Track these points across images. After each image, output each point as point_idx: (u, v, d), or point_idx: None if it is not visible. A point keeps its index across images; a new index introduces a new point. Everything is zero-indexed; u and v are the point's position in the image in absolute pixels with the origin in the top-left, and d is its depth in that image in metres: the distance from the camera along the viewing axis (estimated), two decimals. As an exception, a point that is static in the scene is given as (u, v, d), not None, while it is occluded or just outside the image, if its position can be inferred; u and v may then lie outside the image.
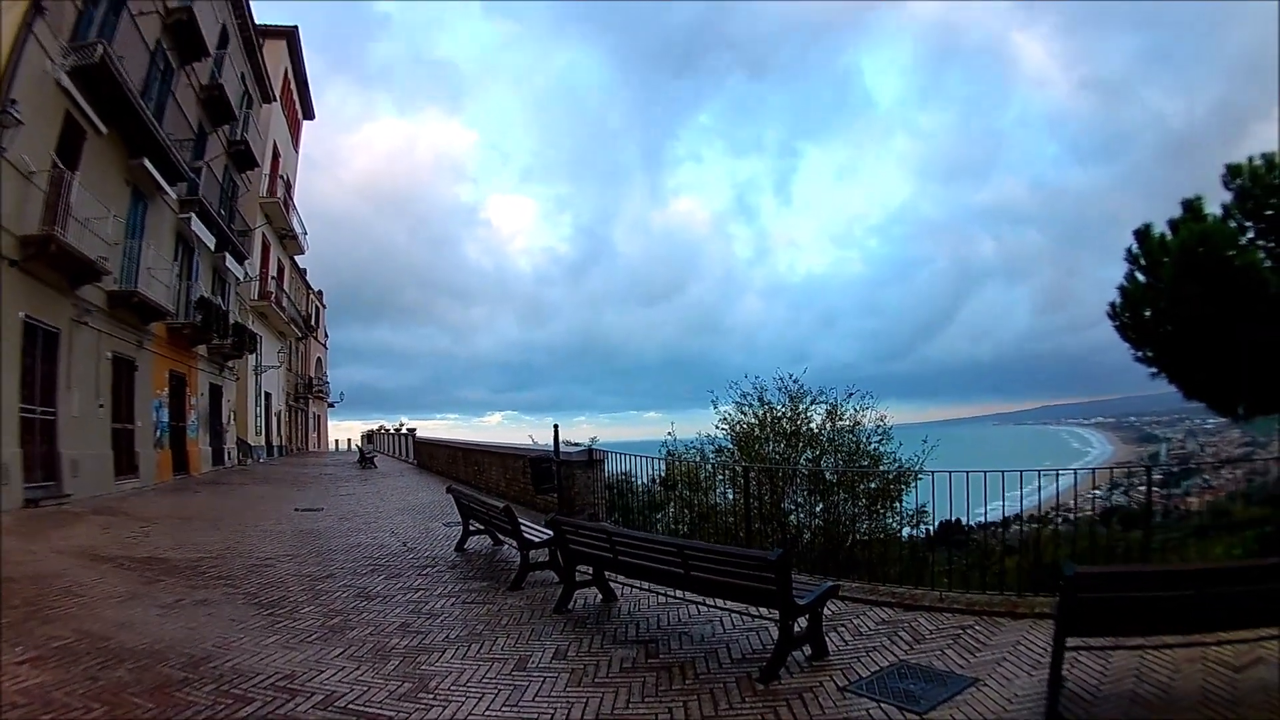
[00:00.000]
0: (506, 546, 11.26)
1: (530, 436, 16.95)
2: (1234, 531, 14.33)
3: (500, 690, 5.82)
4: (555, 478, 13.91)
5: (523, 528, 9.77)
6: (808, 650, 6.38)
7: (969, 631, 6.93)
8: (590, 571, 8.37)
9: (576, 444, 14.93)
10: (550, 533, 8.77)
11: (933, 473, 10.73)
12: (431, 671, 6.22)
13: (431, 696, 5.69)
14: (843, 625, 7.26)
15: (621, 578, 8.42)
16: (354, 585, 9.40)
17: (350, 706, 5.48)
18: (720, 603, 7.26)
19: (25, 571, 9.18)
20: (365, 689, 5.80)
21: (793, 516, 13.55)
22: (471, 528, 11.93)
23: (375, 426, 50.62)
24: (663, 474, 14.01)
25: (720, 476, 13.78)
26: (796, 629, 6.27)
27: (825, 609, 6.80)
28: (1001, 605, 7.60)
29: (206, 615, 7.90)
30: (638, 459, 13.47)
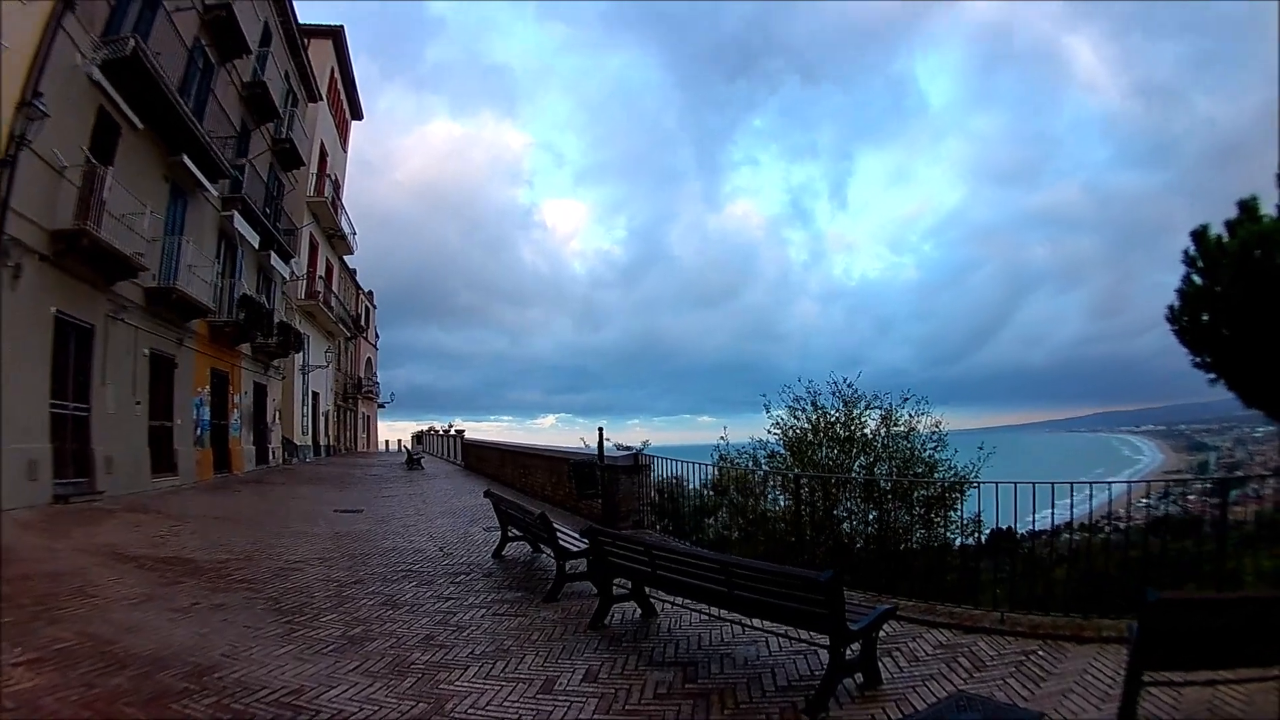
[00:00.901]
0: (545, 555, 10.77)
1: (582, 439, 16.67)
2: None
3: (521, 717, 5.37)
4: (599, 483, 13.47)
5: (559, 536, 9.35)
6: (859, 678, 5.85)
7: (1032, 658, 6.37)
8: (629, 585, 7.85)
9: (629, 447, 14.50)
10: (587, 542, 8.20)
11: (981, 483, 10.18)
12: (450, 692, 5.78)
13: (445, 720, 5.21)
14: (898, 649, 6.69)
15: (662, 593, 7.80)
16: (382, 592, 9.02)
17: (356, 730, 5.03)
18: (766, 623, 6.62)
19: (42, 569, 8.78)
20: (375, 709, 5.39)
21: (846, 524, 13.09)
22: (510, 534, 11.51)
23: (425, 428, 50.18)
24: (714, 478, 13.62)
25: (771, 483, 13.25)
26: (848, 655, 5.69)
27: (880, 632, 6.24)
28: (1066, 628, 7.01)
29: (221, 621, 7.50)
30: (684, 464, 13.02)
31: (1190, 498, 18.01)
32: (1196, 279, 15.82)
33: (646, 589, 7.82)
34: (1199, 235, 15.74)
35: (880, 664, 6.05)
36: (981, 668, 6.19)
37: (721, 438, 15.43)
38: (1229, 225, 15.27)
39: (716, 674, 6.18)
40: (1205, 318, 15.61)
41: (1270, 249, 13.98)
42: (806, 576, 5.62)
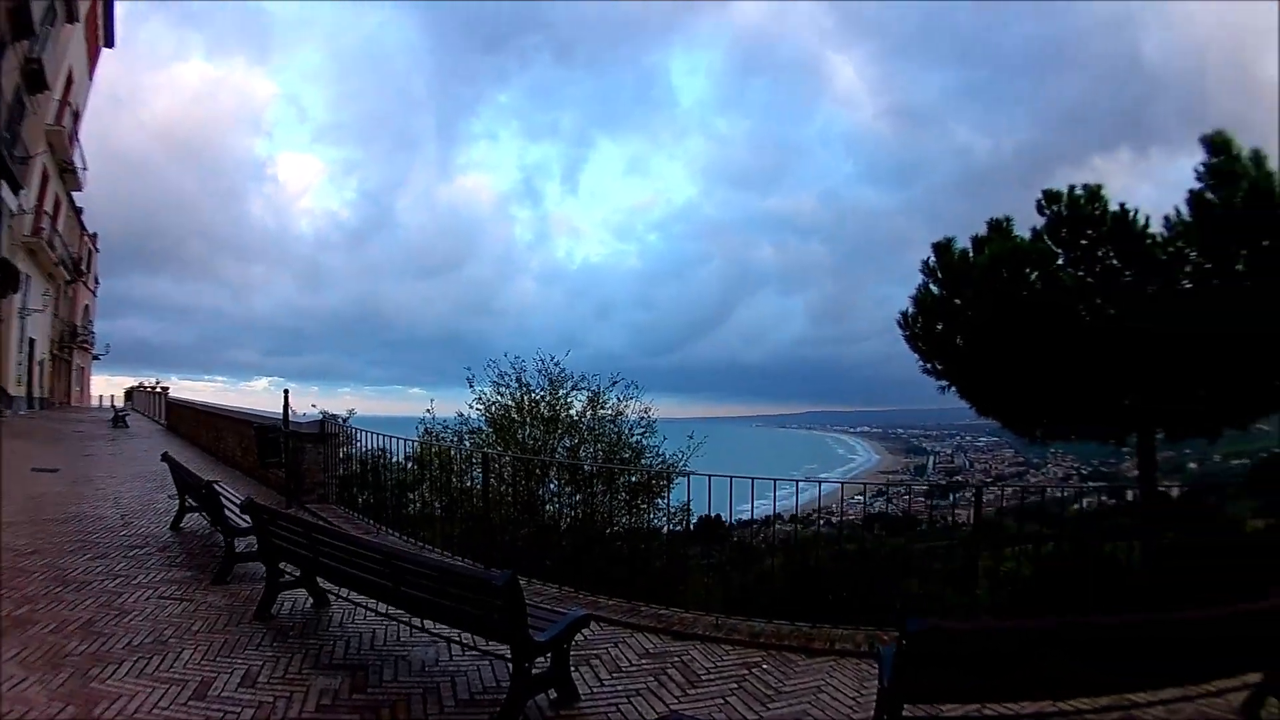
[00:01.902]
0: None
1: (293, 406, 15.02)
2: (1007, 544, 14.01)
3: (169, 729, 4.32)
4: (282, 451, 12.08)
5: (227, 510, 8.17)
6: (553, 694, 4.88)
7: (755, 672, 5.55)
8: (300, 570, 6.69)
9: (335, 416, 13.20)
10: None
11: (690, 473, 10.58)
12: (102, 693, 4.82)
13: (90, 732, 4.42)
14: (598, 658, 5.74)
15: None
16: (56, 566, 7.85)
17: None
18: (442, 625, 5.54)
19: None
20: (26, 710, 4.51)
21: (550, 506, 12.35)
22: (188, 504, 10.15)
23: (137, 384, 46.20)
24: (417, 452, 12.61)
25: (474, 459, 12.31)
26: (536, 669, 4.68)
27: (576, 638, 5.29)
28: (793, 638, 6.22)
29: None
30: (388, 437, 11.90)
31: (907, 497, 18.39)
32: (934, 289, 15.91)
33: (318, 576, 6.62)
34: (942, 247, 15.91)
35: (578, 675, 5.17)
36: (697, 682, 5.33)
37: (428, 410, 14.59)
38: (976, 241, 15.47)
39: (389, 682, 5.14)
40: (939, 326, 15.68)
41: (1018, 266, 14.17)
42: (479, 578, 4.63)
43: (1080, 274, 14.04)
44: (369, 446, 12.09)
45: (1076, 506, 18.49)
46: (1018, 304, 13.63)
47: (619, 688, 5.16)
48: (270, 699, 4.81)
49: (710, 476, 7.47)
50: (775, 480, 7.81)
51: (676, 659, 5.73)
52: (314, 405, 13.31)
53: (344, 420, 12.68)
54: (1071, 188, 15.00)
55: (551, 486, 12.45)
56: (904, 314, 16.42)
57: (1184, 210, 14.02)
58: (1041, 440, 16.51)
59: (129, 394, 45.39)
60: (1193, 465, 57.55)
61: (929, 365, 16.21)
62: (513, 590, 4.24)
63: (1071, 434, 16.10)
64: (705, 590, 9.88)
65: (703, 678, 5.39)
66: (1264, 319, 12.25)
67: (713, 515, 10.46)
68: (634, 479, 12.72)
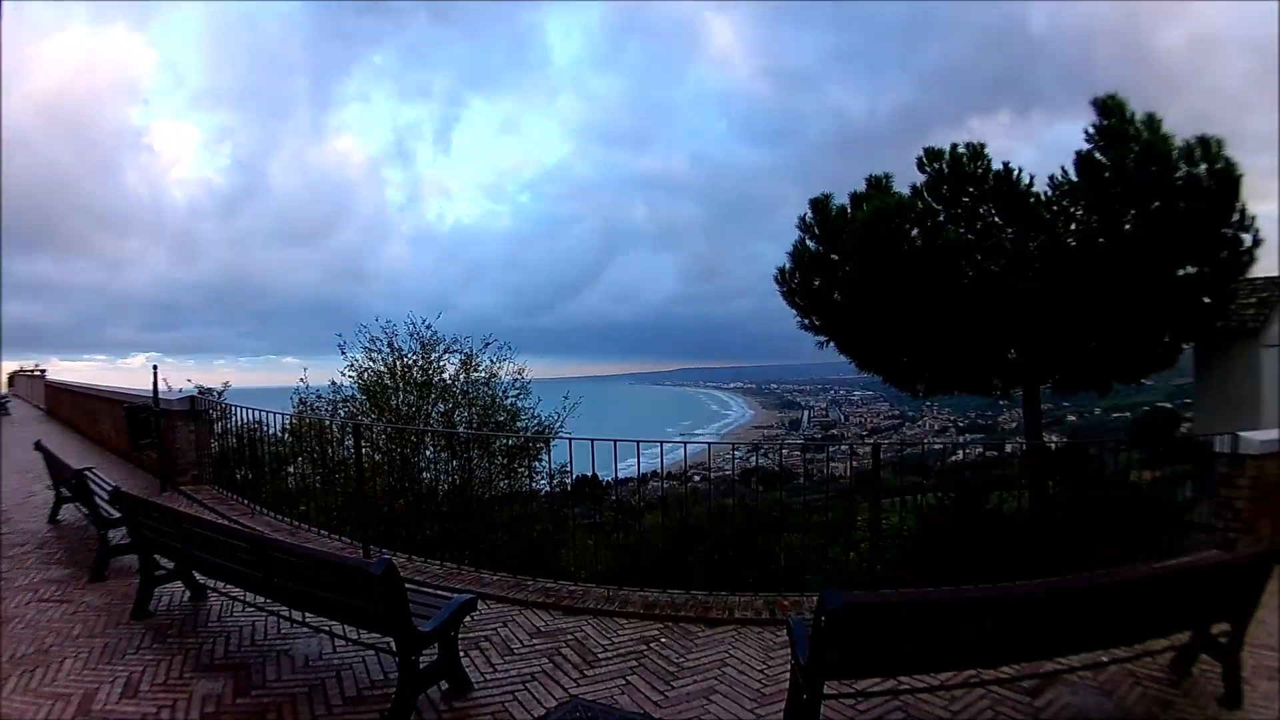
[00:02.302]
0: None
1: (165, 381, 14.14)
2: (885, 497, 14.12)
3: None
4: (154, 431, 11.29)
5: (98, 500, 7.57)
6: (445, 685, 4.51)
7: (654, 646, 5.28)
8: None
9: (209, 390, 13.02)
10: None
11: (568, 437, 10.12)
12: None
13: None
14: (488, 640, 5.40)
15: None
16: None
17: None
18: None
19: None
20: None
21: (427, 474, 11.95)
22: (63, 494, 9.47)
23: (17, 368, 43.82)
24: (292, 424, 11.97)
25: (348, 429, 11.85)
26: (425, 660, 4.30)
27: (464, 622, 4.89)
28: (689, 607, 5.96)
29: None
30: (263, 411, 11.03)
31: (784, 452, 18.38)
32: (811, 244, 15.77)
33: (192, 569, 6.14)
34: (820, 203, 15.71)
35: (469, 661, 4.86)
36: (594, 661, 5.03)
37: (301, 379, 14.06)
38: (854, 197, 15.31)
39: (273, 681, 4.75)
40: (817, 282, 15.59)
41: (900, 222, 14.10)
42: (355, 567, 4.23)
43: (962, 231, 14.01)
44: (243, 421, 11.49)
45: (955, 458, 18.73)
46: (899, 260, 13.55)
47: (513, 672, 4.83)
48: (154, 709, 4.42)
49: (593, 440, 7.09)
50: (640, 443, 7.32)
51: (570, 636, 5.43)
52: (189, 380, 12.93)
53: (219, 394, 12.39)
54: (954, 145, 14.96)
55: (428, 454, 12.12)
56: (781, 270, 16.20)
57: (1070, 171, 14.12)
58: (924, 395, 16.54)
59: (11, 379, 43.10)
60: (1072, 418, 60.03)
61: (806, 321, 16.08)
62: (391, 580, 3.86)
63: (955, 388, 16.12)
64: (590, 554, 9.64)
65: (600, 656, 5.09)
66: (1153, 278, 12.48)
67: (591, 475, 10.43)
68: (510, 442, 12.52)
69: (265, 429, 11.00)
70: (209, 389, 13.11)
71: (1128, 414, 54.67)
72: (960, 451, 20.86)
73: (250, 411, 11.02)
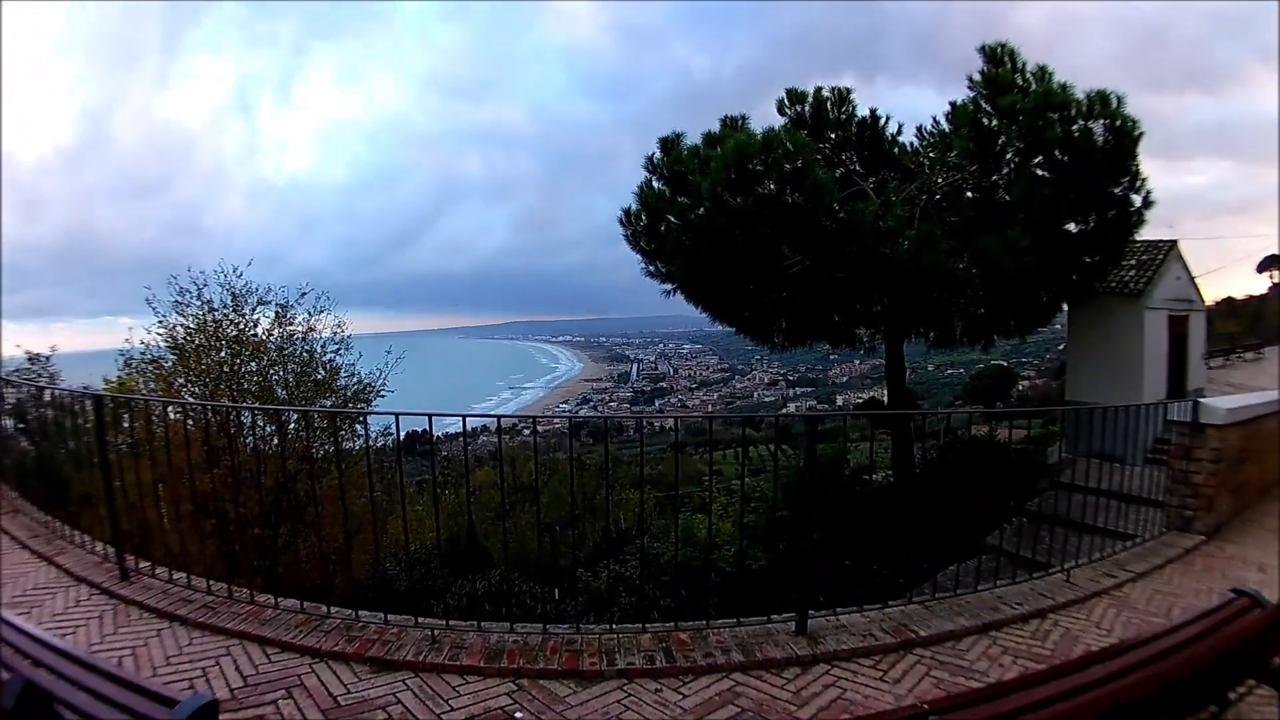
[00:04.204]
0: None
1: (18, 347, 11.90)
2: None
3: None
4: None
5: None
6: None
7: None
8: None
9: (38, 355, 11.68)
10: None
11: (394, 413, 8.07)
12: None
13: None
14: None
15: None
16: None
17: None
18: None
19: None
20: None
21: (249, 438, 9.96)
22: None
23: None
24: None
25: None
26: None
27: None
28: (552, 655, 4.15)
29: None
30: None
31: (612, 405, 17.11)
32: (658, 185, 14.06)
33: None
34: (669, 142, 14.01)
35: None
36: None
37: (126, 340, 11.89)
38: (708, 137, 13.60)
39: None
40: (663, 228, 13.95)
41: (763, 162, 12.37)
42: None
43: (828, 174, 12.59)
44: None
45: (785, 411, 17.79)
46: (764, 202, 12.01)
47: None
48: None
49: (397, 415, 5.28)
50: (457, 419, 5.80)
51: (381, 715, 3.54)
52: (18, 346, 11.39)
53: (46, 360, 11.22)
54: (818, 88, 14.19)
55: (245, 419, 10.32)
56: (626, 211, 14.44)
57: (942, 121, 13.71)
58: (783, 347, 15.22)
59: None
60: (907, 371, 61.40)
61: (652, 267, 14.53)
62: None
63: (816, 339, 15.17)
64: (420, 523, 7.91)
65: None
66: (1037, 233, 11.45)
67: (419, 431, 10.27)
68: (329, 402, 11.58)
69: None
70: (37, 355, 11.55)
71: (961, 370, 55.93)
72: (788, 405, 20.18)
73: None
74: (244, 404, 10.31)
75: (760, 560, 10.98)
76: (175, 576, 5.06)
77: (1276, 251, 34.05)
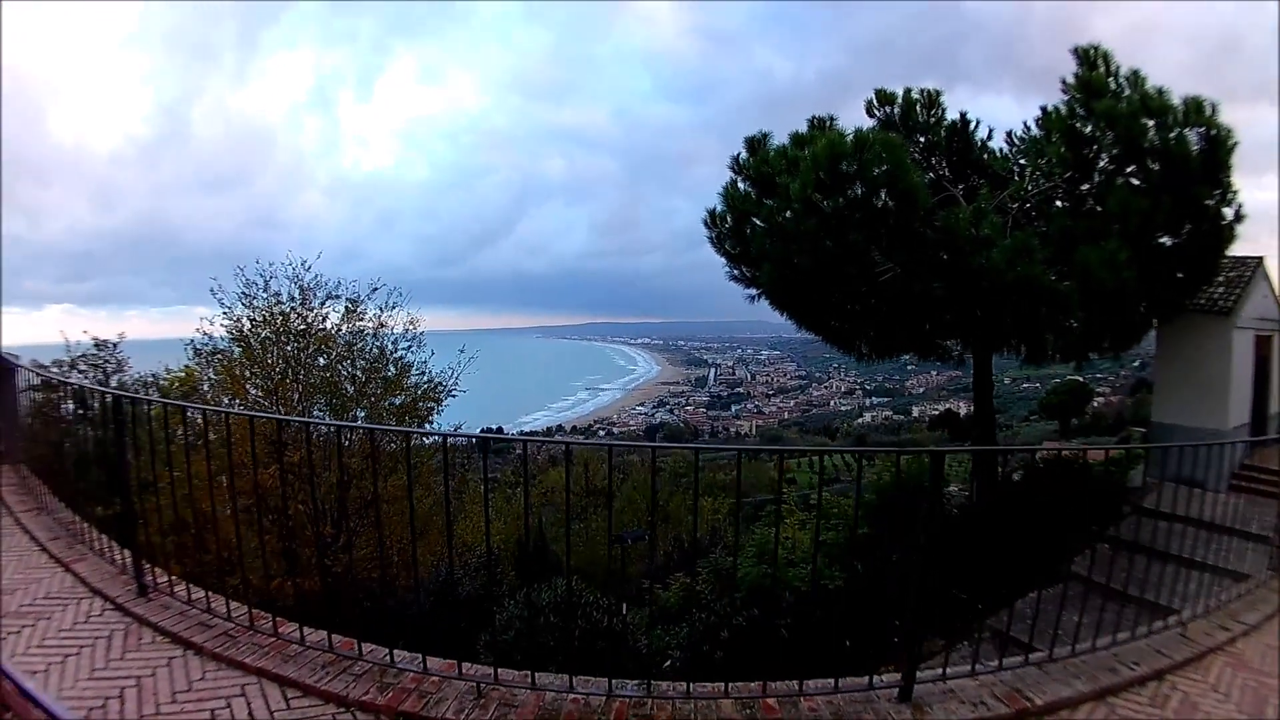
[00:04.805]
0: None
1: (62, 334, 11.80)
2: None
3: None
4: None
5: None
6: None
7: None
8: None
9: (105, 342, 11.25)
10: None
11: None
12: None
13: None
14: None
15: None
16: None
17: None
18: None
19: None
20: None
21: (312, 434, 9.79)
22: None
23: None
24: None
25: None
26: None
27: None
28: None
29: None
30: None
31: (689, 409, 16.71)
32: (743, 186, 13.52)
33: None
34: (755, 142, 13.49)
35: None
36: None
37: (198, 330, 11.72)
38: (795, 138, 13.07)
39: None
40: (749, 229, 13.41)
41: (867, 161, 11.65)
42: None
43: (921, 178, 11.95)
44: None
45: (861, 420, 17.22)
46: (854, 205, 11.36)
47: None
48: None
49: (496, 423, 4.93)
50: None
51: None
52: (85, 332, 10.94)
53: (114, 347, 10.92)
54: (908, 90, 13.68)
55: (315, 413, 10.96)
56: (711, 213, 13.99)
57: (1032, 128, 13.35)
58: (869, 357, 14.56)
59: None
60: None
61: (737, 271, 14.00)
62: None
63: (904, 351, 14.66)
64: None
65: None
66: (1132, 246, 10.65)
67: (495, 428, 9.06)
68: (399, 400, 11.69)
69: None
70: (104, 341, 11.14)
71: (1037, 385, 54.29)
72: (865, 415, 19.65)
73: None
74: (264, 413, 10.01)
75: (837, 580, 10.40)
76: (195, 596, 4.62)
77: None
